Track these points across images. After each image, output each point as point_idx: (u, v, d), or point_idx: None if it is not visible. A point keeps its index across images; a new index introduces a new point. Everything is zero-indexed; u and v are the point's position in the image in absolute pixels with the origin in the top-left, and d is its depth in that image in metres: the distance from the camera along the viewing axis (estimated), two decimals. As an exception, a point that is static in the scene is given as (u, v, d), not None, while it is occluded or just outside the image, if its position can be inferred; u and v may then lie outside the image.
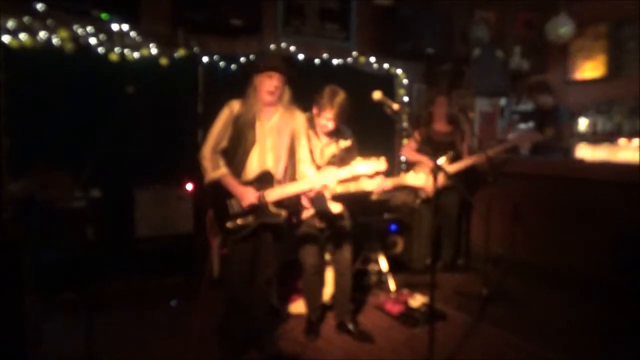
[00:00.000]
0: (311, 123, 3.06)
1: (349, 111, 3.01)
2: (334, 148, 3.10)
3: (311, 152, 3.01)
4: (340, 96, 2.97)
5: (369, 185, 2.97)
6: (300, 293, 3.45)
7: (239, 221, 2.67)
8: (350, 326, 3.20)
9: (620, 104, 5.06)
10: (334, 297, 3.33)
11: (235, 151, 2.73)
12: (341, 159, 3.03)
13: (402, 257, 4.51)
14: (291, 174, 2.82)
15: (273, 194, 2.67)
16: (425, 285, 3.97)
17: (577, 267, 3.93)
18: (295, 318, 3.40)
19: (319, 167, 3.02)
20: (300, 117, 2.82)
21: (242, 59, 4.34)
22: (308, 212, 3.11)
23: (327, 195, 2.99)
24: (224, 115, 2.75)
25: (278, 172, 2.75)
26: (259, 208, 2.67)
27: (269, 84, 2.65)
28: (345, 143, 3.12)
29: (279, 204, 2.70)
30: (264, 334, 2.98)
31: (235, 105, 2.74)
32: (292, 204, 2.80)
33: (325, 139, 3.11)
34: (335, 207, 3.10)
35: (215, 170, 2.69)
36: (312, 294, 3.25)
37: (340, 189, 3.01)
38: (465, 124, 4.62)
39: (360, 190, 3.00)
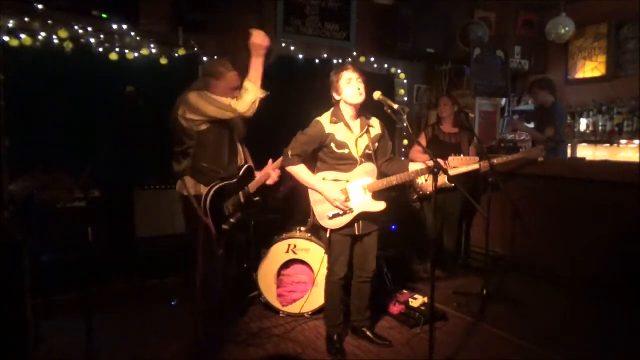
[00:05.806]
0: (338, 116, 2.84)
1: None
2: (366, 139, 2.88)
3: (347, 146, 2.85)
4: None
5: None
6: (298, 294, 3.46)
7: (232, 220, 2.82)
8: (368, 332, 3.10)
9: (620, 104, 5.06)
10: (352, 303, 3.13)
11: (223, 150, 2.92)
12: (376, 149, 2.89)
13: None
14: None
15: (252, 187, 2.96)
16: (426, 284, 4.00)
17: (577, 267, 3.93)
18: (295, 318, 3.40)
19: (357, 161, 2.83)
20: None
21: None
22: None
23: (369, 193, 2.82)
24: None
25: None
26: (246, 203, 2.84)
27: None
28: (375, 131, 2.92)
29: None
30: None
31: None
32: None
33: (357, 129, 2.85)
34: (379, 205, 2.84)
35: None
36: (337, 309, 3.02)
37: (379, 185, 2.81)
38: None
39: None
